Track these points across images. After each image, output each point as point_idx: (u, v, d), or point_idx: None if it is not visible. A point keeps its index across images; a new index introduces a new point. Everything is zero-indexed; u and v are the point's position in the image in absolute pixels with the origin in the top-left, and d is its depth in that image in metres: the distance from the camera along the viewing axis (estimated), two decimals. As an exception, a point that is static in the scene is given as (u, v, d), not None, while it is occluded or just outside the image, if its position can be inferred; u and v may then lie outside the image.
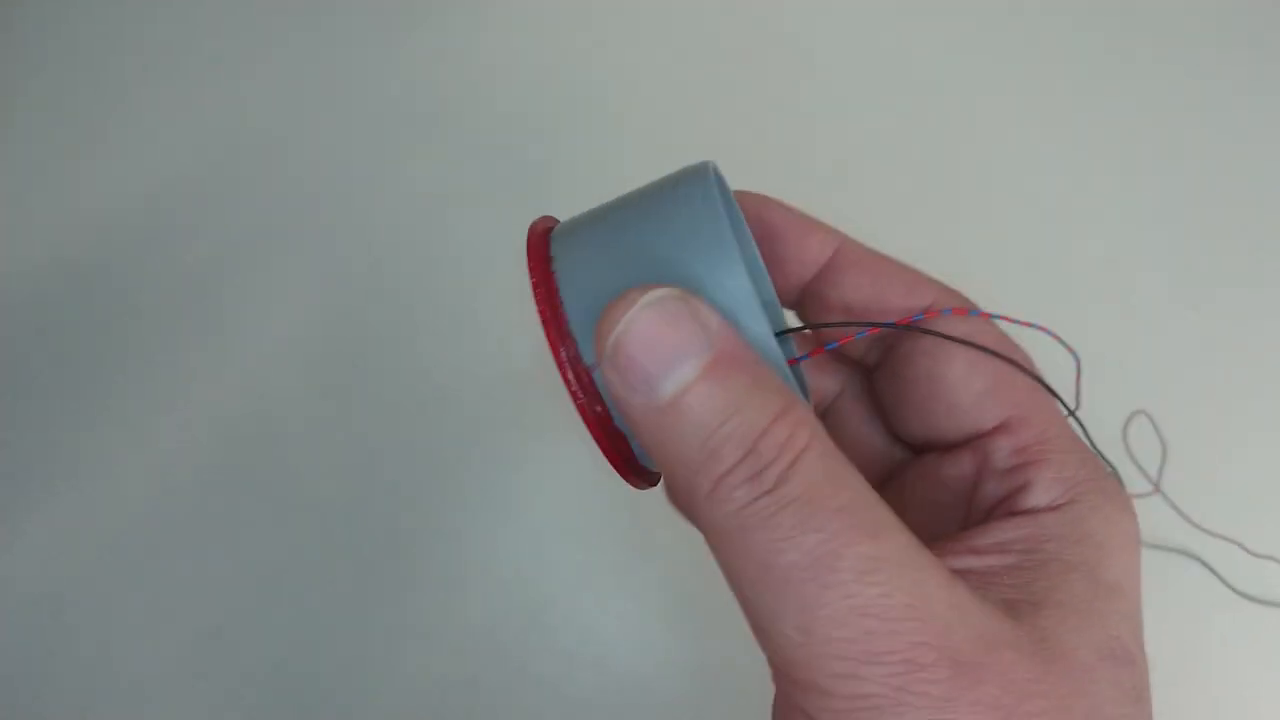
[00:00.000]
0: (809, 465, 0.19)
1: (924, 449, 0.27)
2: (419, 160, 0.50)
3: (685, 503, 0.20)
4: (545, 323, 0.21)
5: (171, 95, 0.51)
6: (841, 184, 0.49)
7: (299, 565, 0.43)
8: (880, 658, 0.18)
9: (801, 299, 0.27)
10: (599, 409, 0.22)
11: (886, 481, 0.28)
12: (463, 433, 0.44)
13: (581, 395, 0.21)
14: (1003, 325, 0.26)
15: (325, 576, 0.43)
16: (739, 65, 0.52)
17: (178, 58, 0.52)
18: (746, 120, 0.50)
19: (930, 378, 0.25)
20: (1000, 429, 0.25)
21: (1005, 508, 0.24)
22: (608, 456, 0.22)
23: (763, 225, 0.26)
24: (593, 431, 0.22)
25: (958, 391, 0.25)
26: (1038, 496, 0.24)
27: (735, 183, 0.26)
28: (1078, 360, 0.27)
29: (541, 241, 0.23)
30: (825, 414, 0.30)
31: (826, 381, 0.29)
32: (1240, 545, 0.43)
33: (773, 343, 0.21)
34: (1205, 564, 0.43)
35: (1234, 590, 0.43)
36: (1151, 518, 0.43)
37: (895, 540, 0.19)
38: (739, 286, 0.20)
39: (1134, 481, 0.44)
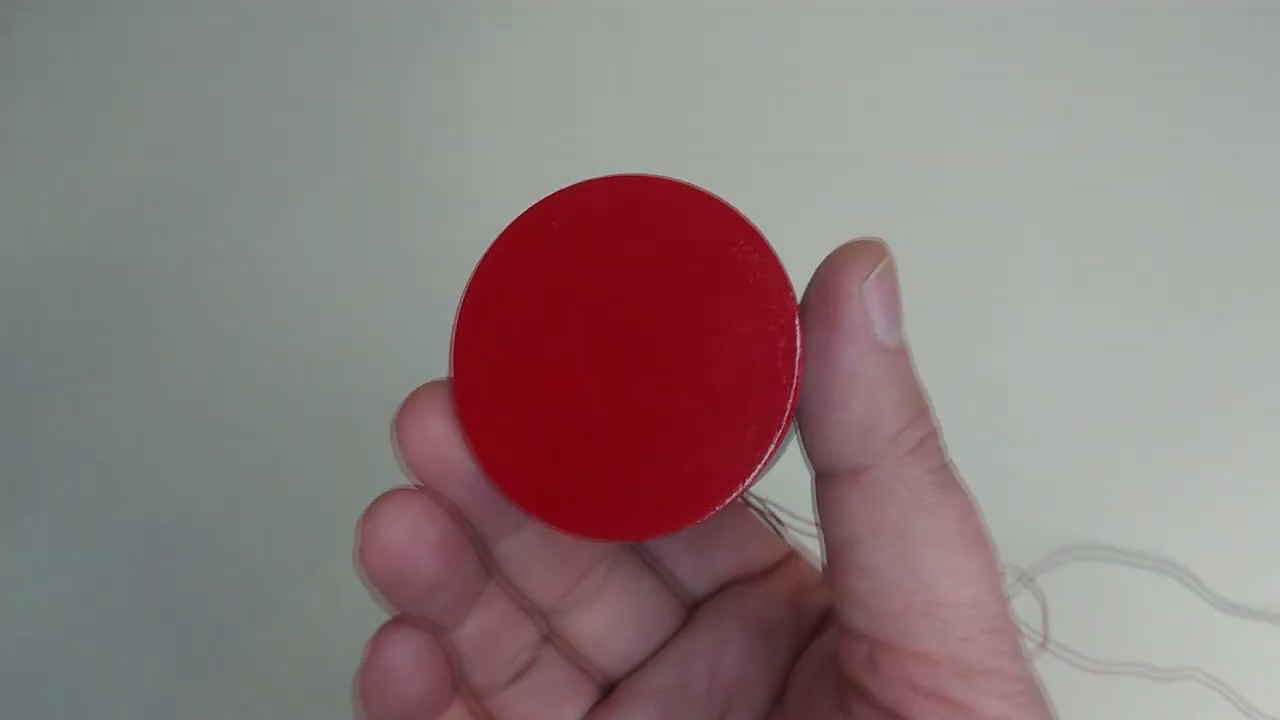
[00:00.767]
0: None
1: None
2: (420, 167, 0.50)
3: (864, 452, 0.19)
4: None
5: (166, 94, 0.52)
6: (841, 184, 0.49)
7: (300, 566, 0.43)
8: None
9: None
10: None
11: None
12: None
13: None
14: None
15: (326, 577, 0.43)
16: (730, 74, 0.52)
17: (171, 58, 0.52)
18: (741, 122, 0.51)
19: None
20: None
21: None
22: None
23: None
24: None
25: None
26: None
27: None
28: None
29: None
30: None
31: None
32: (1144, 669, 0.42)
33: None
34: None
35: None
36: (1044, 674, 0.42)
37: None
38: None
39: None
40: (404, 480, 0.21)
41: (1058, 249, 0.48)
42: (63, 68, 0.52)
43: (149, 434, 0.45)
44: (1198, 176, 0.49)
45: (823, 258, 0.19)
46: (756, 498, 0.25)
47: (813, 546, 0.22)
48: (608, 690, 0.25)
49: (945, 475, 0.19)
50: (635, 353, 0.19)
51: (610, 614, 0.24)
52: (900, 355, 0.19)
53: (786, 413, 0.19)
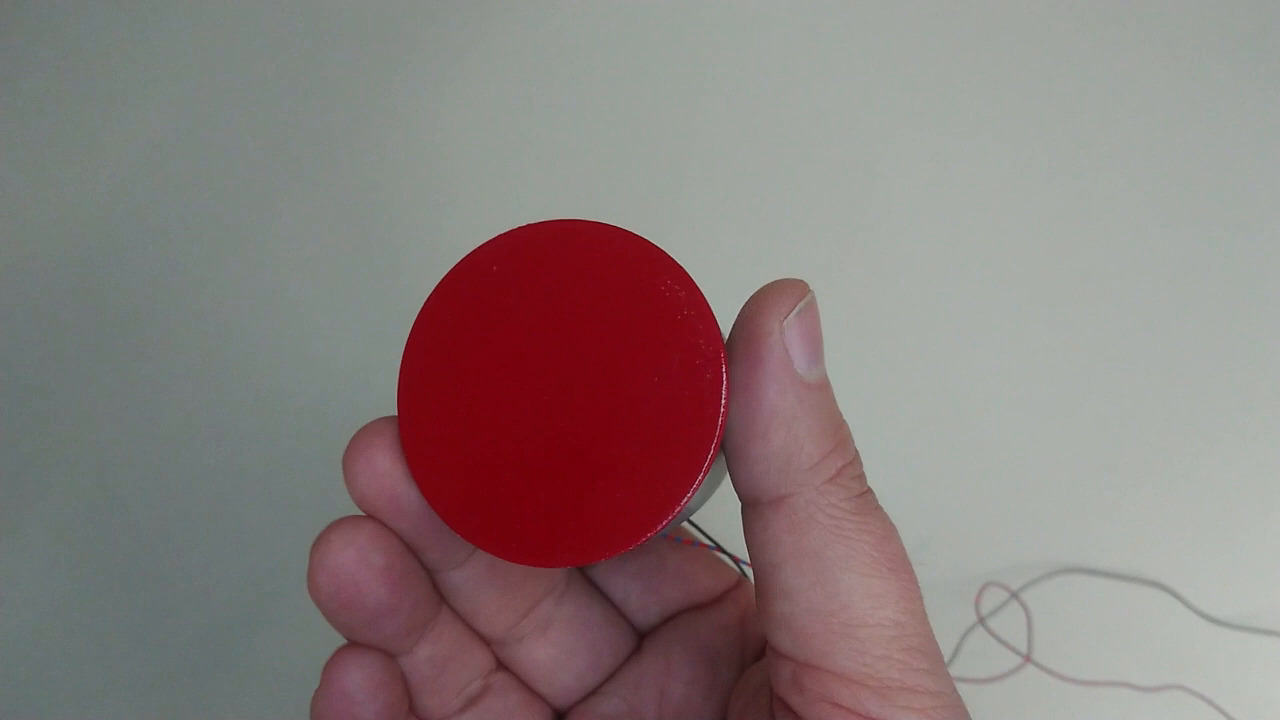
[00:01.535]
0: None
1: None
2: (407, 166, 0.51)
3: (785, 481, 0.19)
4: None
5: (161, 97, 0.52)
6: (840, 189, 0.49)
7: (299, 566, 0.44)
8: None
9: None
10: None
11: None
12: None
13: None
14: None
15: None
16: (732, 66, 0.52)
17: (166, 61, 0.53)
18: (737, 137, 0.50)
19: None
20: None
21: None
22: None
23: None
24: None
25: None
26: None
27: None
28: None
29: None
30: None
31: None
32: (1128, 685, 0.42)
33: None
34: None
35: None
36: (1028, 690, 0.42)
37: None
38: None
39: (1002, 659, 0.42)
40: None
41: (1043, 272, 0.48)
42: (54, 71, 0.52)
43: (148, 434, 0.46)
44: (1177, 203, 0.49)
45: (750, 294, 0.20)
46: (700, 529, 0.25)
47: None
48: (559, 718, 0.25)
49: (864, 502, 0.20)
50: (571, 388, 0.20)
51: (560, 644, 0.25)
52: (820, 389, 0.19)
53: (713, 444, 0.19)
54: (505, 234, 0.21)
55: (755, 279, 0.20)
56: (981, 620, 0.43)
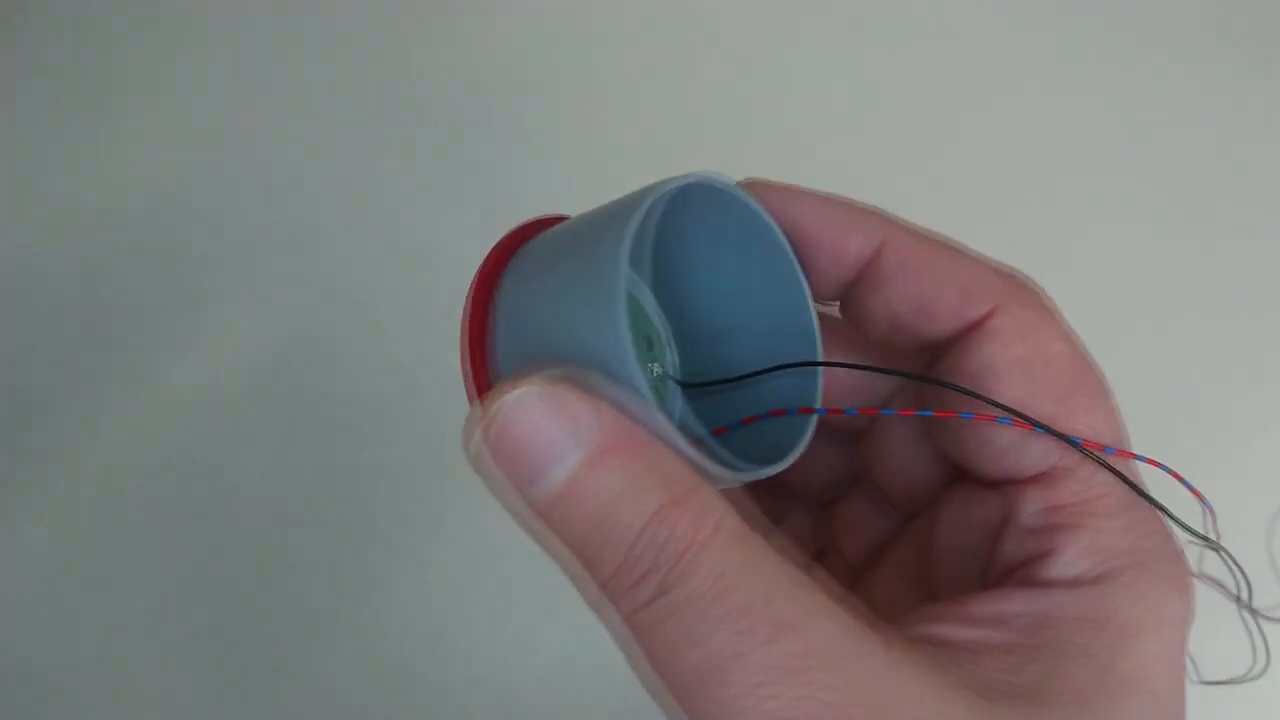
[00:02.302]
0: (706, 562, 0.17)
1: (963, 475, 0.24)
2: (405, 166, 0.50)
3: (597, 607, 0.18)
4: (464, 361, 0.20)
5: (153, 95, 0.51)
6: (841, 186, 0.49)
7: (300, 566, 0.43)
8: None
9: (846, 299, 0.24)
10: None
11: (929, 505, 0.25)
12: (446, 440, 0.44)
13: None
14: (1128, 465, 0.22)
15: (325, 576, 0.43)
16: (741, 60, 0.52)
17: (160, 58, 0.52)
18: (748, 115, 0.51)
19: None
20: (1037, 480, 0.22)
21: (1023, 574, 0.21)
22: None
23: (793, 226, 0.23)
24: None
25: (993, 429, 0.22)
26: (1060, 567, 0.21)
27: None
28: (1208, 510, 0.23)
29: (495, 267, 0.22)
30: (873, 423, 0.27)
31: (881, 382, 0.26)
32: None
33: (668, 430, 0.19)
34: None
35: None
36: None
37: (809, 634, 0.17)
38: (624, 368, 0.18)
39: None
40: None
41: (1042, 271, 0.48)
42: (66, 62, 0.52)
43: (147, 434, 0.45)
44: (1159, 220, 0.50)
45: None
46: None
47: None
48: None
49: (651, 613, 0.18)
50: None
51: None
52: (554, 508, 0.18)
53: None
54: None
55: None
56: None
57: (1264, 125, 0.50)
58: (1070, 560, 0.20)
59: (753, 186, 0.23)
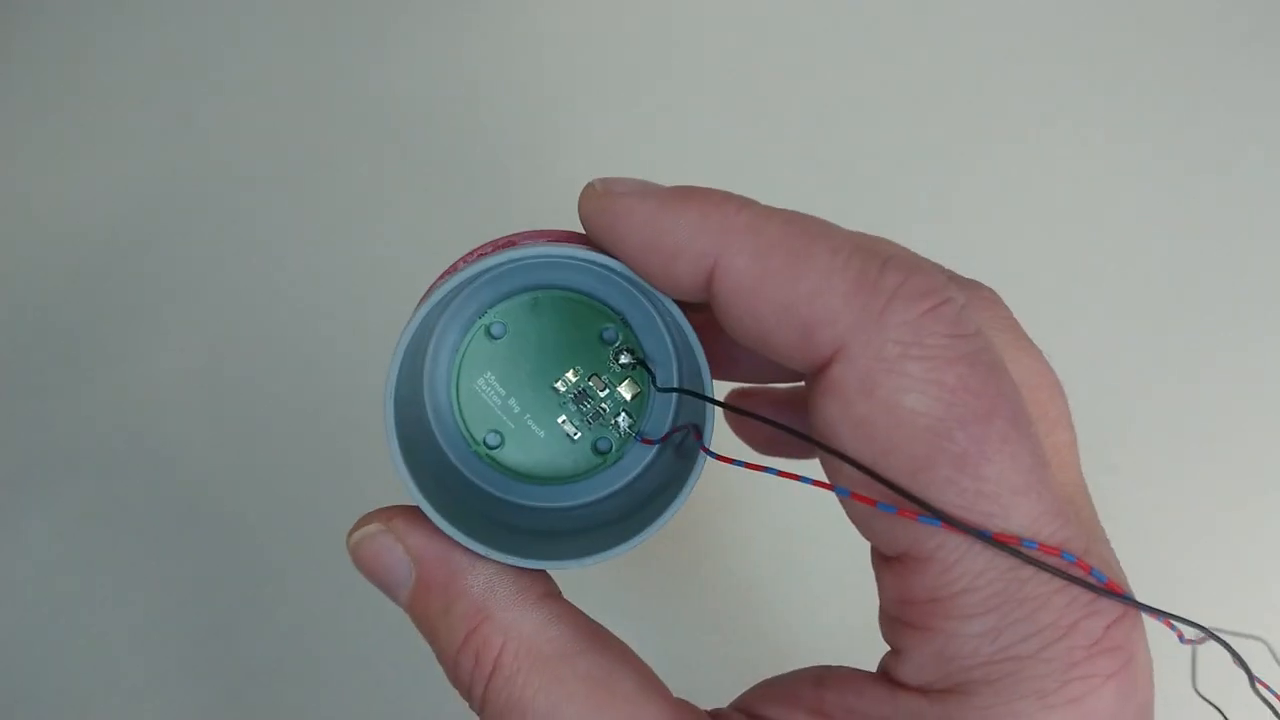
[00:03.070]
0: (499, 686, 0.19)
1: None
2: (375, 173, 0.50)
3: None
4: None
5: (160, 95, 0.51)
6: (841, 188, 0.48)
7: (301, 565, 0.43)
8: None
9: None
10: None
11: None
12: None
13: None
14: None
15: (325, 575, 0.43)
16: (731, 67, 0.51)
17: (140, 66, 0.52)
18: (738, 123, 0.49)
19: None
20: (895, 563, 0.18)
21: (886, 663, 0.19)
22: None
23: (621, 257, 0.20)
24: None
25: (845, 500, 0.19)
26: (908, 671, 0.18)
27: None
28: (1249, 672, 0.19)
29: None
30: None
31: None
32: None
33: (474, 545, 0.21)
34: None
35: None
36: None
37: None
38: (400, 474, 0.21)
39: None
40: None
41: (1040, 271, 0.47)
42: (63, 64, 0.52)
43: (147, 434, 0.45)
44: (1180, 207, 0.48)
45: None
46: None
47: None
48: None
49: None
50: None
51: None
52: (416, 608, 0.21)
53: None
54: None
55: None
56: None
57: (1264, 125, 0.49)
58: (917, 666, 0.18)
59: (581, 210, 0.21)
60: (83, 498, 0.44)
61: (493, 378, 0.24)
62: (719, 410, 0.21)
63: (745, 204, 0.19)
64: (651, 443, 0.24)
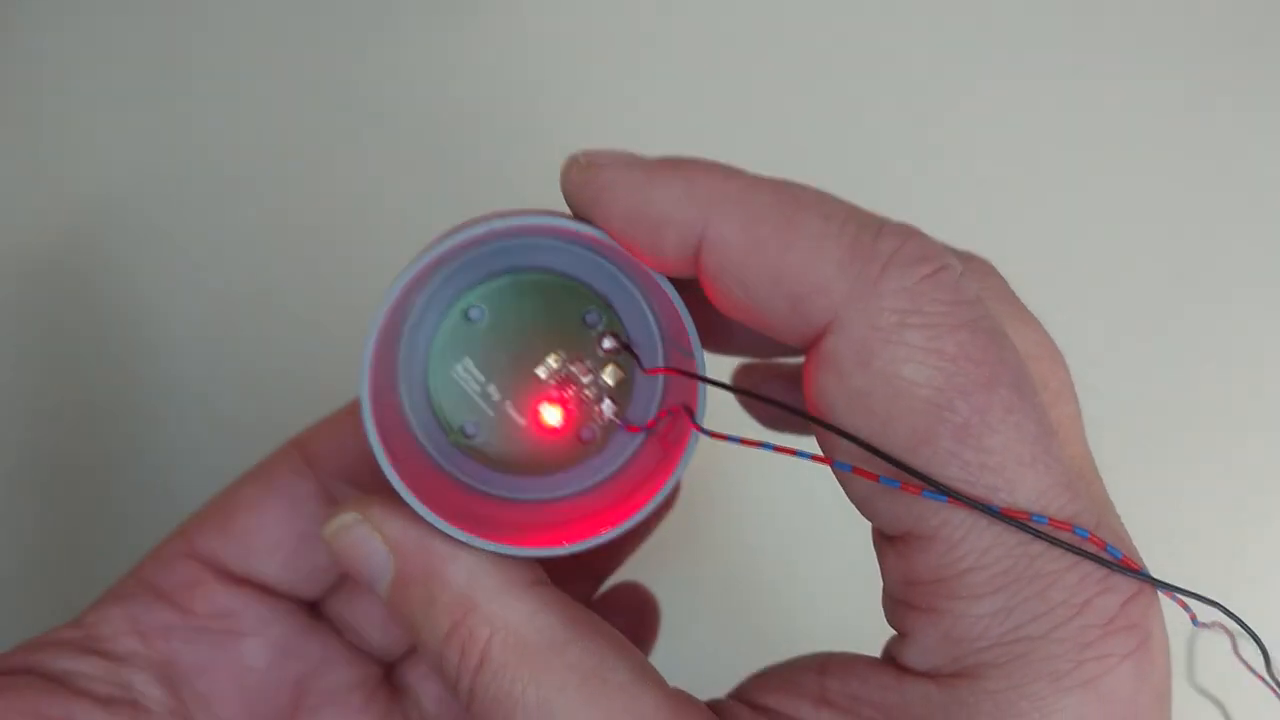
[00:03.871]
0: (487, 679, 0.19)
1: None
2: (382, 170, 0.49)
3: None
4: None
5: (159, 95, 0.50)
6: (836, 184, 0.47)
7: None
8: None
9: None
10: None
11: None
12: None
13: None
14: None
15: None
16: (729, 61, 0.51)
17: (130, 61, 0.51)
18: (736, 115, 0.49)
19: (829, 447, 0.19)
20: (899, 542, 0.18)
21: (890, 648, 0.18)
22: None
23: (607, 232, 0.20)
24: None
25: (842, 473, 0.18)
26: (914, 655, 0.17)
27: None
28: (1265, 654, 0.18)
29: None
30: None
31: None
32: None
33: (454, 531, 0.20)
34: None
35: None
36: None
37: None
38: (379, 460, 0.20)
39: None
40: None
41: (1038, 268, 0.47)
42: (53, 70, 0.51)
43: (148, 434, 0.45)
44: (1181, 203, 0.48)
45: None
46: None
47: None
48: None
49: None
50: None
51: None
52: (393, 598, 0.21)
53: None
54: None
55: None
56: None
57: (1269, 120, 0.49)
58: (924, 650, 0.17)
59: (564, 182, 0.20)
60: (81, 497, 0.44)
61: (471, 363, 0.23)
62: (725, 391, 0.21)
63: (733, 173, 0.19)
64: (637, 430, 0.23)
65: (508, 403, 0.23)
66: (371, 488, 0.25)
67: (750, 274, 0.18)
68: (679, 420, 0.22)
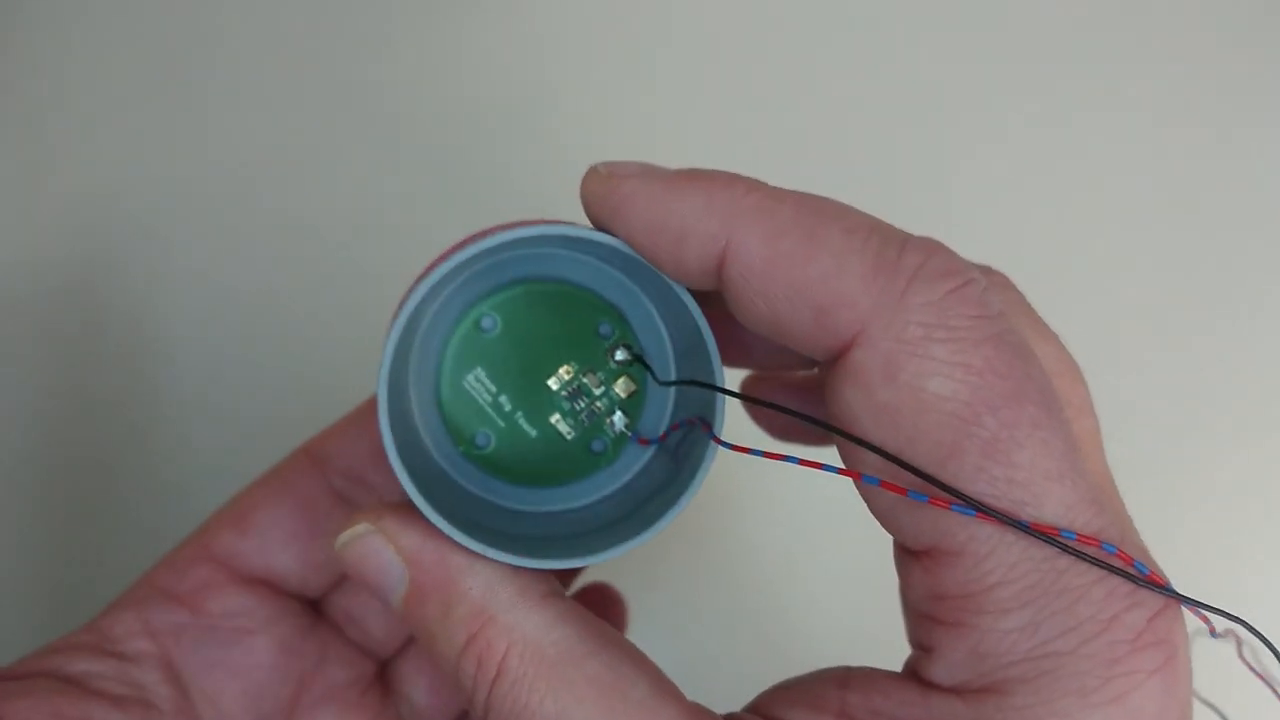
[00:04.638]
0: (504, 692, 0.19)
1: None
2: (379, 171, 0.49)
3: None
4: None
5: (159, 94, 0.50)
6: (836, 185, 0.47)
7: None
8: None
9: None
10: None
11: None
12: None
13: None
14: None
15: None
16: (729, 62, 0.51)
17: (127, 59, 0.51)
18: (749, 118, 0.49)
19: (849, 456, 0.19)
20: (925, 556, 0.17)
21: (914, 663, 0.18)
22: None
23: (629, 243, 0.20)
24: None
25: (867, 487, 0.18)
26: (940, 671, 0.17)
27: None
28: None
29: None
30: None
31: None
32: None
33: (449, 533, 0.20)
34: None
35: None
36: None
37: None
38: (395, 470, 0.20)
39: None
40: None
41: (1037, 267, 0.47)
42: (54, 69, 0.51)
43: (148, 433, 0.44)
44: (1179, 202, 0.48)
45: None
46: None
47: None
48: None
49: None
50: None
51: None
52: (411, 616, 0.20)
53: None
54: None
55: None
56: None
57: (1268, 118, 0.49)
58: (949, 665, 0.17)
59: (584, 193, 0.20)
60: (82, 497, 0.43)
61: (482, 373, 0.23)
62: (734, 401, 0.21)
63: (755, 185, 0.19)
64: (647, 443, 0.23)
65: (519, 414, 0.23)
66: (379, 489, 0.26)
67: (773, 287, 0.18)
68: (690, 433, 0.22)
